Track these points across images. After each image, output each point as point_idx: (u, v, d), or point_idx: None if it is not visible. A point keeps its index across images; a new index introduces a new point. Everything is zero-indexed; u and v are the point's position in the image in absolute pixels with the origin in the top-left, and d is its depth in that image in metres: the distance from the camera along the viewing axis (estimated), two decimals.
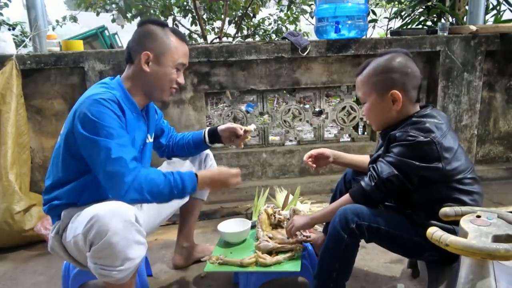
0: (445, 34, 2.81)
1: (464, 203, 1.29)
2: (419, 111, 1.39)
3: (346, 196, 1.42)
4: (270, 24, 5.79)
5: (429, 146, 1.27)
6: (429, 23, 4.00)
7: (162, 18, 4.94)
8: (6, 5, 4.52)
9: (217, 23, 5.55)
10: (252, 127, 1.78)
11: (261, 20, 5.68)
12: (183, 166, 1.75)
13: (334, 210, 1.39)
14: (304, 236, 1.62)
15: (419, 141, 1.27)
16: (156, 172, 1.38)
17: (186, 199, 1.72)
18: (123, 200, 1.28)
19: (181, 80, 1.53)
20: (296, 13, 5.60)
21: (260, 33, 5.71)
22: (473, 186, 1.34)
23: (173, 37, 1.47)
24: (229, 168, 1.54)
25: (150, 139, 1.65)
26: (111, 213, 1.20)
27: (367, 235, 1.33)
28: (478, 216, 1.10)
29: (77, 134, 1.32)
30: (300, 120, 3.01)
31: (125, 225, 1.21)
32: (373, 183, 1.34)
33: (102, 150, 1.28)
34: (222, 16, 4.97)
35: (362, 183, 1.38)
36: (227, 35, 5.34)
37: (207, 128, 1.80)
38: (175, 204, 1.70)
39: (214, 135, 1.77)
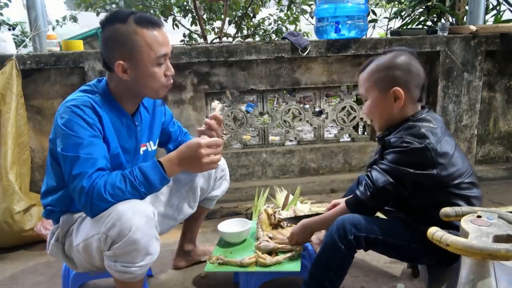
0: (445, 34, 2.81)
1: None
2: (415, 115, 1.37)
3: (343, 205, 1.42)
4: (270, 24, 5.79)
5: (423, 153, 1.26)
6: (429, 23, 4.00)
7: (162, 18, 4.94)
8: (6, 5, 4.53)
9: (217, 23, 5.55)
10: (216, 104, 1.57)
11: (261, 20, 5.68)
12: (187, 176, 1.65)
13: (332, 219, 1.39)
14: None
15: (414, 147, 1.27)
16: (116, 174, 1.26)
17: (195, 209, 1.68)
18: (90, 214, 1.25)
19: (170, 71, 1.37)
20: (296, 13, 5.60)
21: (260, 33, 5.71)
22: (471, 190, 1.33)
23: (140, 29, 1.27)
24: (200, 138, 1.36)
25: (152, 147, 1.58)
26: (132, 210, 1.20)
27: (364, 245, 1.32)
28: (479, 216, 1.10)
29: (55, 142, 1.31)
30: (300, 120, 3.01)
31: (147, 220, 1.21)
32: (368, 193, 1.33)
33: (66, 165, 1.25)
34: (222, 16, 4.97)
35: (357, 192, 1.37)
36: (227, 35, 5.34)
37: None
38: (187, 212, 1.68)
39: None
